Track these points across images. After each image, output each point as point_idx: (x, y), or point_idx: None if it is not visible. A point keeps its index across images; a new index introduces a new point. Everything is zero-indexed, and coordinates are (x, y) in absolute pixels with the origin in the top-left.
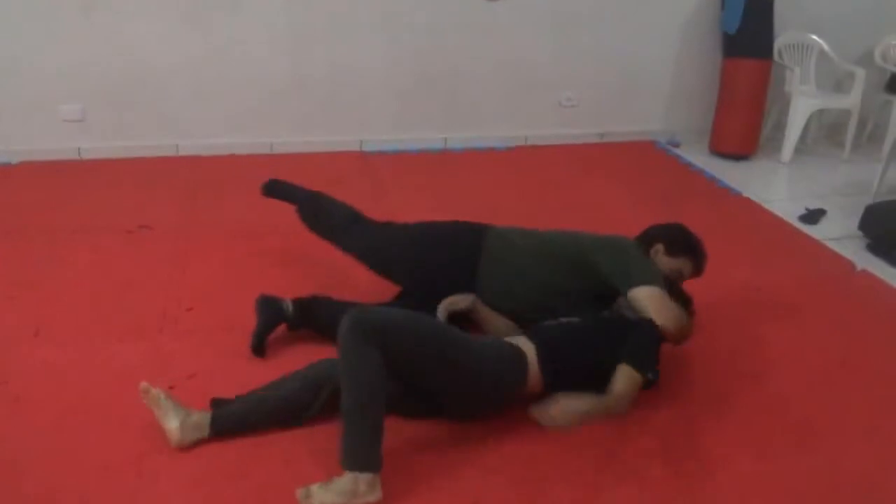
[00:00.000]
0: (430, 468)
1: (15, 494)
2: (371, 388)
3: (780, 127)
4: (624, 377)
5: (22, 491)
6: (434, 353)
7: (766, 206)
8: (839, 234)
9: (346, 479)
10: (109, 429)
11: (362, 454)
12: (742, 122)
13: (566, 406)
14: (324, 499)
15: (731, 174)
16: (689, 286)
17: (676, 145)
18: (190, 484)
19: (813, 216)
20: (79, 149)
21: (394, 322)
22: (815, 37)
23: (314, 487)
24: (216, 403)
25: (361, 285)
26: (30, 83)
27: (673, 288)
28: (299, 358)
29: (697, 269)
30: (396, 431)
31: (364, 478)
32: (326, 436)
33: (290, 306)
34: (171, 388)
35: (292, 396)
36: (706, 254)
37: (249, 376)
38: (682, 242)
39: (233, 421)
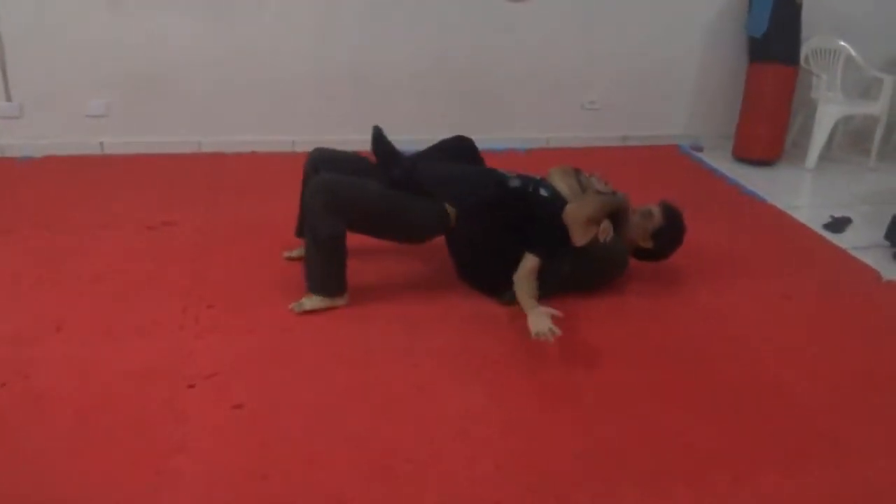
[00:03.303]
0: None
1: (36, 491)
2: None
3: (806, 133)
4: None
5: (43, 487)
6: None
7: (791, 213)
8: (865, 244)
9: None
10: (130, 426)
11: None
12: (767, 128)
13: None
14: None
15: (754, 180)
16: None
17: (699, 150)
18: (210, 482)
19: (838, 224)
20: (102, 143)
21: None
22: (843, 42)
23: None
24: None
25: (382, 281)
26: (54, 78)
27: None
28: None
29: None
30: None
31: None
32: (358, 439)
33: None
34: (190, 386)
35: None
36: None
37: (271, 376)
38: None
39: None
